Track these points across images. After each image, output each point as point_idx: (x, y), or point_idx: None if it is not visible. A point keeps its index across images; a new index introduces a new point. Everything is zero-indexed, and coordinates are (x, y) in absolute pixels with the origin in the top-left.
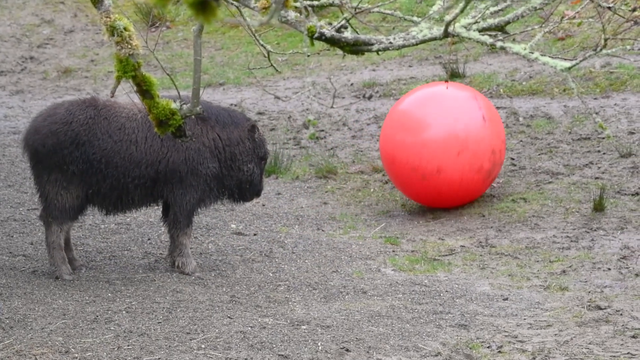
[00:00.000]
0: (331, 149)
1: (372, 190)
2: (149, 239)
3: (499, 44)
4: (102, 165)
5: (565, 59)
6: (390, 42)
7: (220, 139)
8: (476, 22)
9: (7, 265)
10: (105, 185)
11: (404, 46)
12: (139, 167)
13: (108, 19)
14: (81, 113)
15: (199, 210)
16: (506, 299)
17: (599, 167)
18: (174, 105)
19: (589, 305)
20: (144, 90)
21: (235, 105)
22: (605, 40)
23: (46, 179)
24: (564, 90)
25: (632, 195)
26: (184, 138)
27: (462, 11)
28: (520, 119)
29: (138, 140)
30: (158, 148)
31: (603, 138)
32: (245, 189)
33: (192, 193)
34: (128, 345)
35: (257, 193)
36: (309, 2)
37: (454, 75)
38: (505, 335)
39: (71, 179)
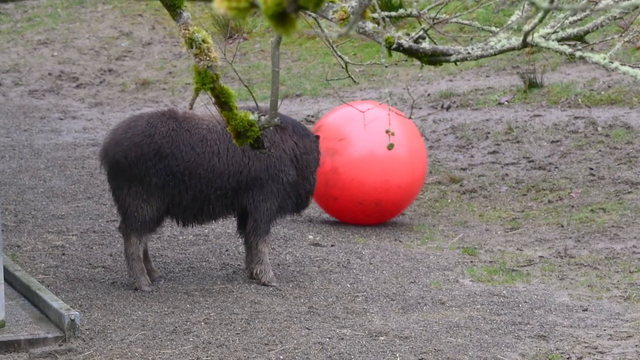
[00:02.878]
0: None
1: (449, 200)
2: (226, 250)
3: (578, 53)
4: (185, 177)
5: None
6: (469, 53)
7: (298, 147)
8: (555, 31)
9: (86, 277)
10: (187, 197)
11: (482, 56)
12: (221, 177)
13: (187, 31)
14: (162, 125)
15: (277, 219)
16: (586, 309)
17: None
18: (252, 117)
19: None
20: (222, 102)
21: (312, 117)
22: None
23: (126, 192)
24: None
25: None
26: (262, 149)
27: (540, 21)
28: (599, 128)
29: (220, 152)
30: (240, 158)
31: None
32: (308, 199)
33: (272, 200)
34: (207, 357)
35: (309, 203)
36: (386, 13)
37: (531, 85)
38: (585, 347)
39: (152, 191)
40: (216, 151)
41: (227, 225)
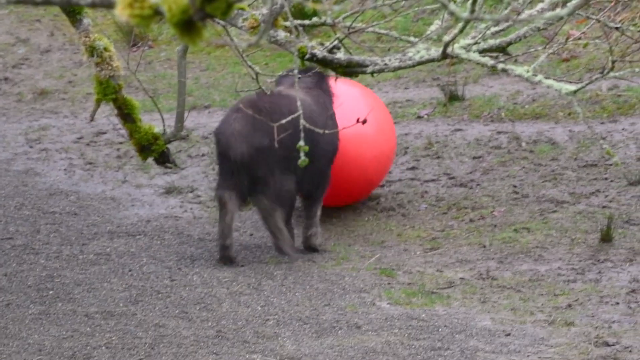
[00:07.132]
0: None
1: (365, 219)
2: (130, 271)
3: (500, 65)
4: None
5: (570, 82)
6: (386, 64)
7: None
8: (476, 42)
9: None
10: None
11: (400, 68)
12: None
13: (87, 39)
14: None
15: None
16: (509, 334)
17: (607, 196)
18: (157, 130)
19: (597, 342)
20: (125, 113)
21: None
22: (613, 62)
23: None
24: (569, 114)
25: None
26: (168, 164)
27: (461, 31)
28: (523, 144)
29: None
30: None
31: (611, 165)
32: None
33: None
34: None
35: None
36: (299, 22)
37: (452, 98)
38: None
39: None
40: None
41: (130, 244)
